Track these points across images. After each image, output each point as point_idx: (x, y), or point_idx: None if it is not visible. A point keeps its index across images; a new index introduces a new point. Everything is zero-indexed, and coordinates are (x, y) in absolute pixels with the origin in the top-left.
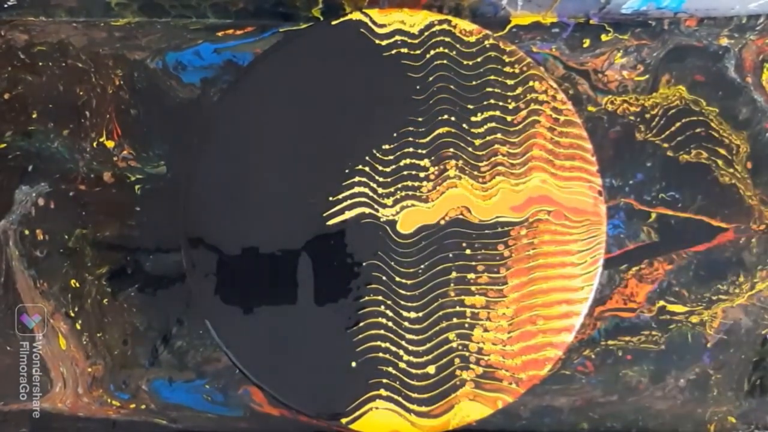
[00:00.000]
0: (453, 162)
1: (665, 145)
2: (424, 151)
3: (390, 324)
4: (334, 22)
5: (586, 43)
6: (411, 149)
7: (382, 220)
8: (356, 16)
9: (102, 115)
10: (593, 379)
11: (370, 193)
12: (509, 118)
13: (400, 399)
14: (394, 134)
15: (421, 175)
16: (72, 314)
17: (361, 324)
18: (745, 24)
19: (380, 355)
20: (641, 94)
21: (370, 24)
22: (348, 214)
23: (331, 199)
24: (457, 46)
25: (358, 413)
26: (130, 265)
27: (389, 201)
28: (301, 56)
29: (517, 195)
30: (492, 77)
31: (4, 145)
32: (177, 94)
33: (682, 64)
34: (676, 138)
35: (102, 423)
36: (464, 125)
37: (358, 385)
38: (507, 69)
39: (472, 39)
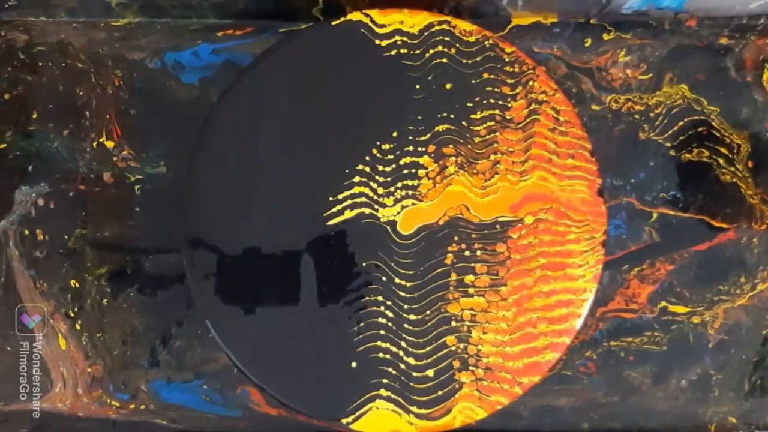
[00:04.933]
0: (453, 159)
1: (668, 144)
2: (423, 150)
3: (390, 324)
4: (334, 22)
5: (588, 42)
6: (411, 148)
7: (382, 220)
8: (356, 16)
9: (102, 116)
10: (595, 380)
11: (370, 193)
12: (509, 117)
13: (400, 399)
14: (394, 134)
15: (421, 173)
16: (72, 314)
17: (362, 324)
18: (746, 24)
19: (380, 355)
20: (644, 92)
21: (370, 24)
22: (348, 214)
23: (331, 199)
24: (457, 45)
25: (358, 413)
26: (130, 265)
27: (389, 201)
28: (301, 56)
29: (516, 194)
30: (492, 77)
31: (4, 145)
32: (176, 94)
33: (683, 63)
34: (678, 137)
35: (102, 423)
36: (464, 124)
37: (358, 385)
38: (507, 68)
39: (472, 39)
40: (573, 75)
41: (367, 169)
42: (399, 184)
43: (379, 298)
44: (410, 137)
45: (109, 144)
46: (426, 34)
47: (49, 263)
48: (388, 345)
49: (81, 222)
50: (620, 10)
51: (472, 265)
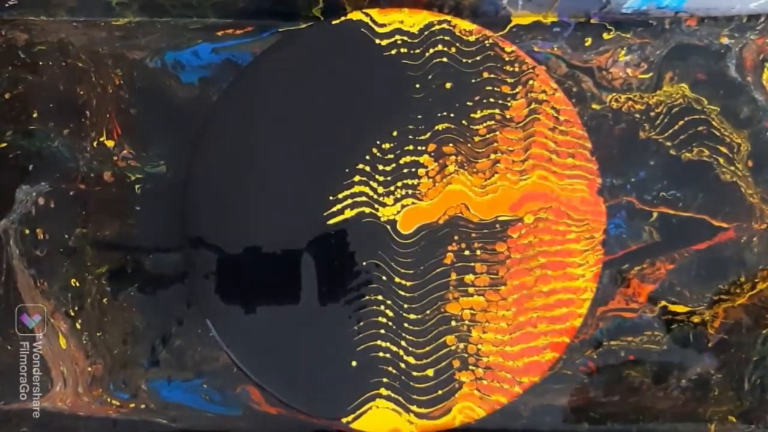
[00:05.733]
0: (453, 158)
1: (668, 143)
2: (423, 149)
3: (390, 324)
4: (334, 22)
5: (588, 41)
6: (411, 147)
7: (382, 219)
8: (356, 15)
9: (102, 115)
10: (595, 379)
11: (371, 193)
12: (509, 116)
13: (400, 398)
14: (394, 133)
15: (421, 172)
16: (72, 313)
17: (362, 323)
18: (746, 24)
19: (380, 354)
20: (645, 91)
21: (370, 23)
22: (348, 214)
23: (331, 198)
24: (457, 45)
25: (358, 412)
26: (130, 264)
27: (389, 200)
28: (301, 56)
29: (516, 193)
30: (492, 76)
31: (5, 144)
32: (176, 93)
33: (684, 62)
34: (678, 136)
35: (102, 422)
36: (464, 123)
37: (358, 384)
38: (507, 68)
39: (472, 38)
40: (573, 74)
41: (367, 168)
42: (399, 183)
43: (379, 297)
44: (410, 136)
45: (110, 143)
46: (426, 33)
47: (50, 262)
48: (388, 344)
49: (81, 221)
50: (620, 9)
51: (472, 264)
